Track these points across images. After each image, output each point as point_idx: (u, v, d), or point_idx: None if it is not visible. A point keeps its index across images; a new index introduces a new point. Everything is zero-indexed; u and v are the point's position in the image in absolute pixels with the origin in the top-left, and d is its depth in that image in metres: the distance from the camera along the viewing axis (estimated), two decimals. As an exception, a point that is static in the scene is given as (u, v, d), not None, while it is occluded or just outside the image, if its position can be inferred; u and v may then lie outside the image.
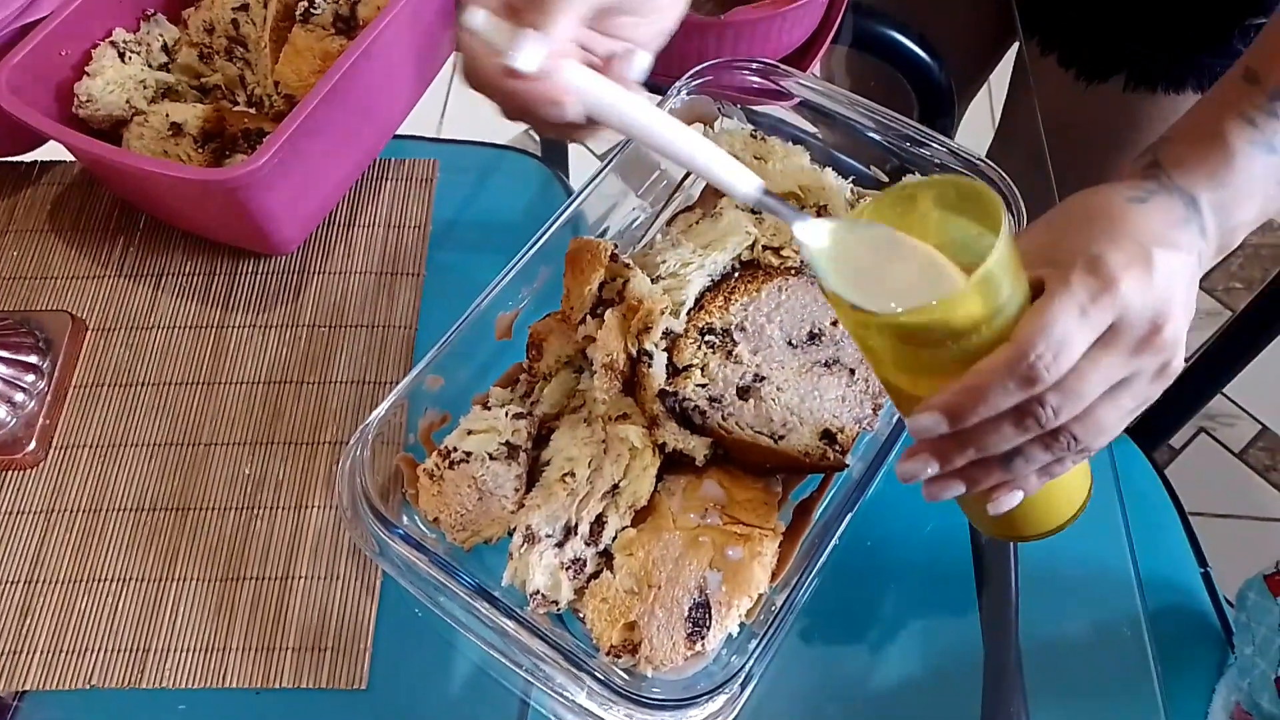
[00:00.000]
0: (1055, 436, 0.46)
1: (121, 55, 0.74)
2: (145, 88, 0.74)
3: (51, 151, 0.82)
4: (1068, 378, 0.44)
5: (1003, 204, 0.43)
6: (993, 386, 0.44)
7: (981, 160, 0.68)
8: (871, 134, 0.71)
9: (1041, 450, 0.47)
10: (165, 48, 0.77)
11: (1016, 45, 1.06)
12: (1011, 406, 0.44)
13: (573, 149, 1.19)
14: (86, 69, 0.73)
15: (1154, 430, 1.17)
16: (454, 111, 1.71)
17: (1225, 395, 1.60)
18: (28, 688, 0.59)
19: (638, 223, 0.74)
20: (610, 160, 0.69)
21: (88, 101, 0.72)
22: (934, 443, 0.47)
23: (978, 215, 0.44)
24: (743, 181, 0.48)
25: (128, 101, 0.73)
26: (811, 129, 0.74)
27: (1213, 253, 0.50)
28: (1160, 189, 0.49)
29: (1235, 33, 0.83)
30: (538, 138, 1.43)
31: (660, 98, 0.72)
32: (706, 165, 0.49)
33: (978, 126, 0.91)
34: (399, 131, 0.81)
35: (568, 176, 0.95)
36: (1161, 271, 0.45)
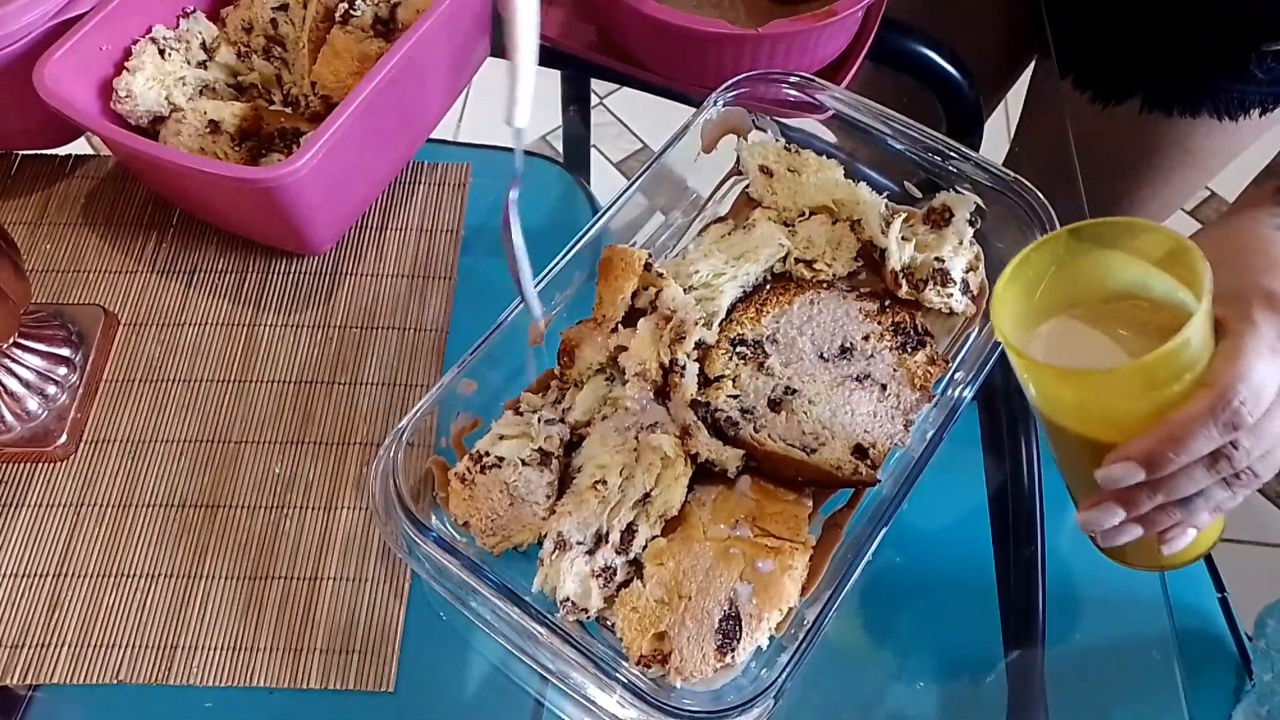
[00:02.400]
0: (1238, 476, 0.47)
1: (161, 52, 0.74)
2: (184, 85, 0.75)
3: (85, 146, 0.83)
4: (1261, 420, 0.45)
5: (1204, 261, 0.43)
6: (1195, 435, 0.44)
7: (1013, 177, 0.68)
8: (903, 149, 0.71)
9: (1222, 490, 0.47)
10: (204, 45, 0.77)
11: (1032, 65, 1.06)
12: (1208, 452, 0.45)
13: (595, 158, 1.19)
14: (126, 65, 0.73)
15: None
16: (471, 117, 1.72)
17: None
18: (55, 680, 0.60)
19: (669, 233, 0.74)
20: (638, 178, 0.69)
21: (127, 97, 0.72)
22: (1121, 491, 0.47)
23: (1167, 265, 0.46)
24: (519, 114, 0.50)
25: (166, 98, 0.74)
26: (841, 143, 0.74)
27: None
28: None
29: (1251, 57, 0.83)
30: (559, 144, 1.44)
31: (696, 109, 0.72)
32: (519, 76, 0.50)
33: (990, 144, 0.91)
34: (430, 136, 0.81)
35: (589, 183, 0.96)
36: None
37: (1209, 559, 0.92)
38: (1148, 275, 0.47)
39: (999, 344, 0.62)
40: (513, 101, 0.51)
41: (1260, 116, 0.88)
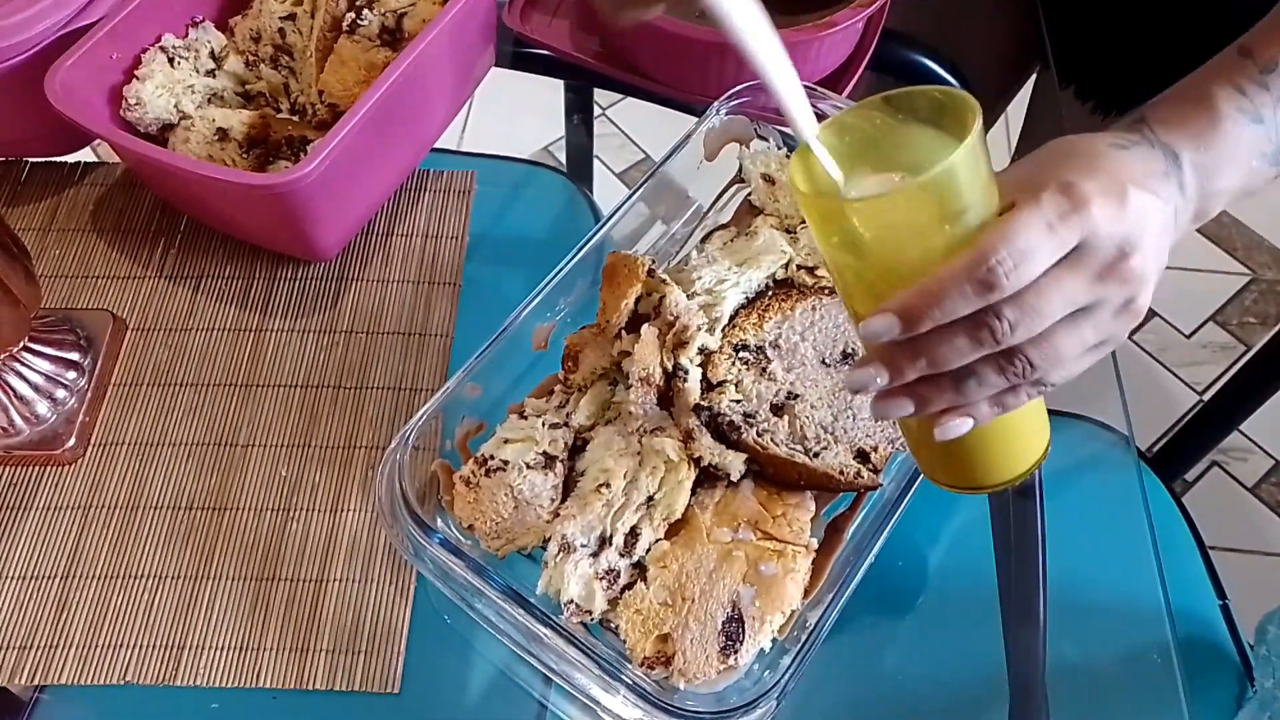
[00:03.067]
0: (1010, 359, 0.45)
1: (171, 60, 0.75)
2: (193, 93, 0.76)
3: (93, 153, 0.84)
4: (1027, 293, 0.43)
5: (977, 109, 0.42)
6: (949, 289, 0.42)
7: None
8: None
9: (995, 372, 0.45)
10: (213, 54, 0.78)
11: (1034, 76, 1.07)
12: (967, 316, 0.43)
13: (597, 168, 1.20)
14: (136, 73, 0.74)
15: (1173, 462, 1.17)
16: (474, 126, 1.74)
17: (1239, 430, 1.60)
18: (63, 681, 0.60)
19: (671, 241, 0.75)
20: (640, 185, 0.70)
21: (136, 104, 0.73)
22: (885, 350, 0.45)
23: (954, 126, 0.44)
24: (805, 125, 0.46)
25: (175, 106, 0.75)
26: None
27: (1190, 214, 0.50)
28: (1143, 141, 0.49)
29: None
30: (562, 155, 1.45)
31: (698, 118, 0.73)
32: (782, 94, 0.46)
33: (991, 155, 0.92)
34: (434, 145, 0.82)
35: (591, 192, 0.97)
36: (1134, 206, 0.44)
37: (1210, 566, 0.92)
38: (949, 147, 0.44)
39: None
40: (791, 120, 0.48)
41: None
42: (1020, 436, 0.52)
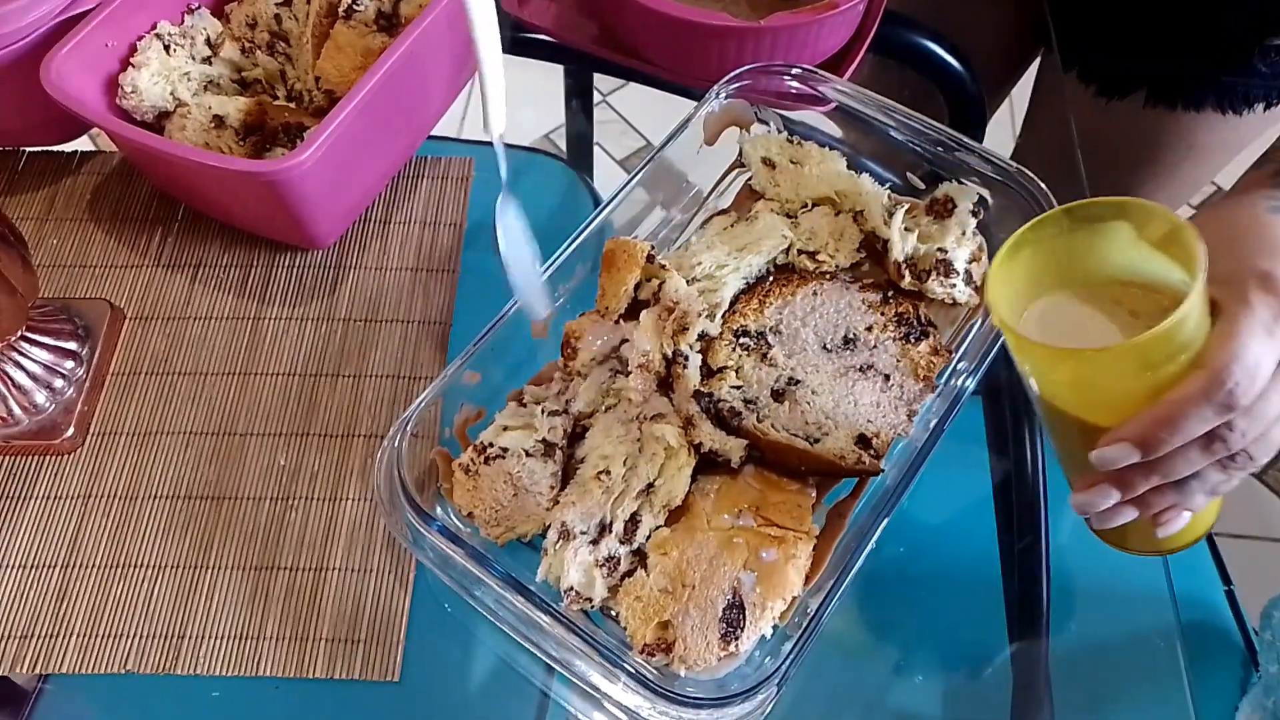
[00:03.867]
0: (1233, 457, 0.47)
1: (166, 48, 0.75)
2: (189, 80, 0.75)
3: (90, 142, 0.83)
4: (1256, 401, 0.45)
5: (1200, 241, 0.43)
6: (1189, 416, 0.44)
7: (1016, 168, 0.68)
8: (906, 140, 0.71)
9: (1218, 472, 0.47)
10: (209, 41, 0.77)
11: (1038, 60, 1.06)
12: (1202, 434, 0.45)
13: (596, 153, 1.20)
14: (131, 60, 0.73)
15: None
16: (475, 113, 1.73)
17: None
18: (64, 670, 0.60)
19: (671, 226, 0.74)
20: (640, 170, 0.69)
21: (132, 92, 0.73)
22: (1116, 473, 0.47)
23: (1163, 246, 0.46)
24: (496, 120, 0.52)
25: (171, 93, 0.74)
26: (843, 135, 0.74)
27: None
28: None
29: (1255, 52, 0.83)
30: (562, 141, 1.44)
31: (698, 102, 0.72)
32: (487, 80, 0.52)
33: (996, 139, 0.91)
34: (433, 132, 0.81)
35: (592, 180, 0.96)
36: None
37: (1215, 551, 0.92)
38: (1143, 256, 0.47)
39: (1002, 334, 0.63)
40: (485, 107, 0.51)
41: (1264, 110, 0.87)
42: (1213, 504, 0.54)
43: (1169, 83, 0.88)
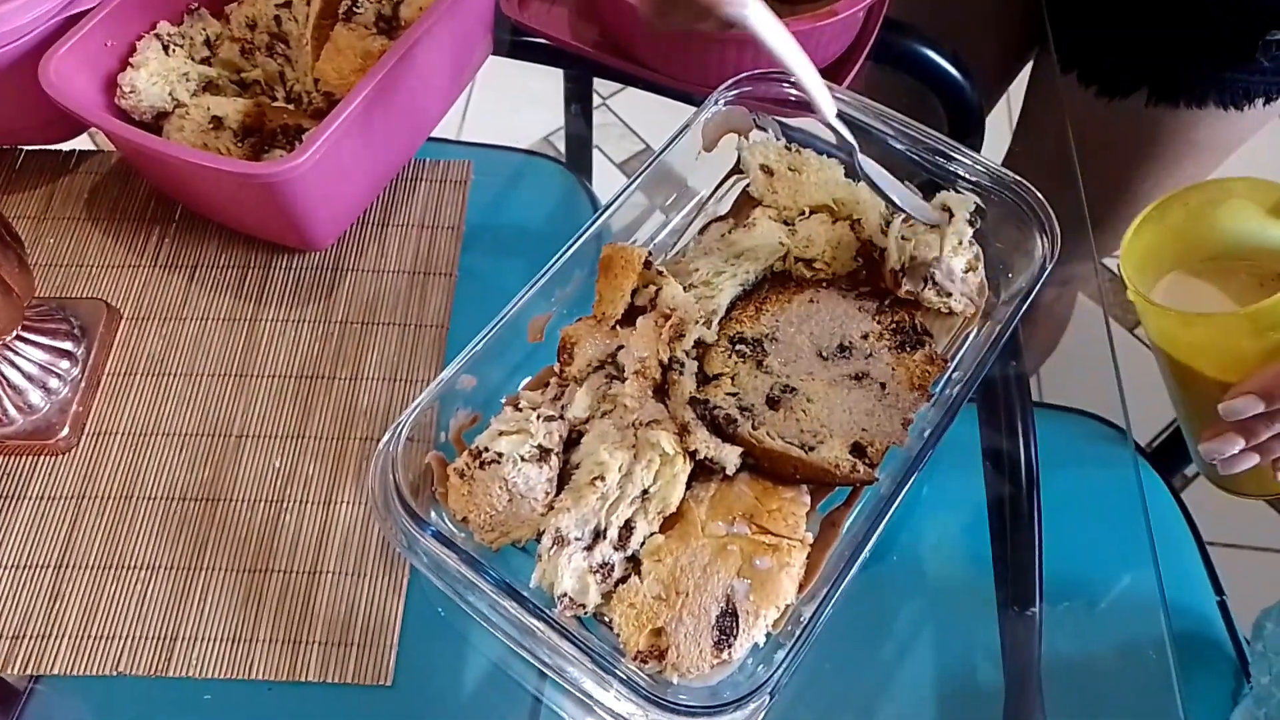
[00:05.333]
0: None
1: (165, 48, 0.75)
2: (187, 81, 0.75)
3: (88, 141, 0.83)
4: None
5: None
6: None
7: (1013, 178, 0.68)
8: (904, 149, 0.71)
9: None
10: (208, 42, 0.77)
11: (1033, 60, 1.07)
12: None
13: (596, 157, 1.20)
14: (130, 60, 0.74)
15: (1172, 456, 1.17)
16: (473, 116, 1.73)
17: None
18: (56, 671, 0.60)
19: (668, 231, 0.74)
20: (638, 175, 0.69)
21: (131, 93, 0.73)
22: (1240, 422, 0.56)
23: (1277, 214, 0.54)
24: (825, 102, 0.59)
25: (170, 94, 0.74)
26: (842, 143, 0.75)
27: None
28: None
29: (1258, 46, 0.84)
30: (561, 144, 1.44)
31: (697, 108, 0.72)
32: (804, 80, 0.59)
33: (992, 139, 0.92)
34: (432, 134, 0.81)
35: (590, 183, 0.96)
36: None
37: (1207, 561, 0.92)
38: (1265, 227, 0.53)
39: (997, 343, 0.63)
40: (813, 98, 0.61)
41: (1264, 106, 0.88)
42: None
43: (1171, 80, 0.89)
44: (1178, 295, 0.60)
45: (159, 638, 0.61)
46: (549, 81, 1.11)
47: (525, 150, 0.95)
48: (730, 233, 0.71)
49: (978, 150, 0.78)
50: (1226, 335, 0.55)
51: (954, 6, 0.99)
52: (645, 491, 0.59)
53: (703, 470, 0.61)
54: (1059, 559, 0.66)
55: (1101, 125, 0.94)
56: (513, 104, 1.60)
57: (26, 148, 0.83)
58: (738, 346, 0.65)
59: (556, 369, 0.65)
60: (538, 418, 0.61)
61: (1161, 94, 0.90)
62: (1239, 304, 0.58)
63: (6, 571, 0.63)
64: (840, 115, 0.72)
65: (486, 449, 0.60)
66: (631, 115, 1.99)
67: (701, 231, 0.72)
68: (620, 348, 0.64)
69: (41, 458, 0.67)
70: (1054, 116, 0.99)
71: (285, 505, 0.65)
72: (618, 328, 0.65)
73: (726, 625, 0.55)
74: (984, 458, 0.71)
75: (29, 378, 0.67)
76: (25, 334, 0.67)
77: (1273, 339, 0.53)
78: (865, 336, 0.65)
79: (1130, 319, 1.69)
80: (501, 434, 0.61)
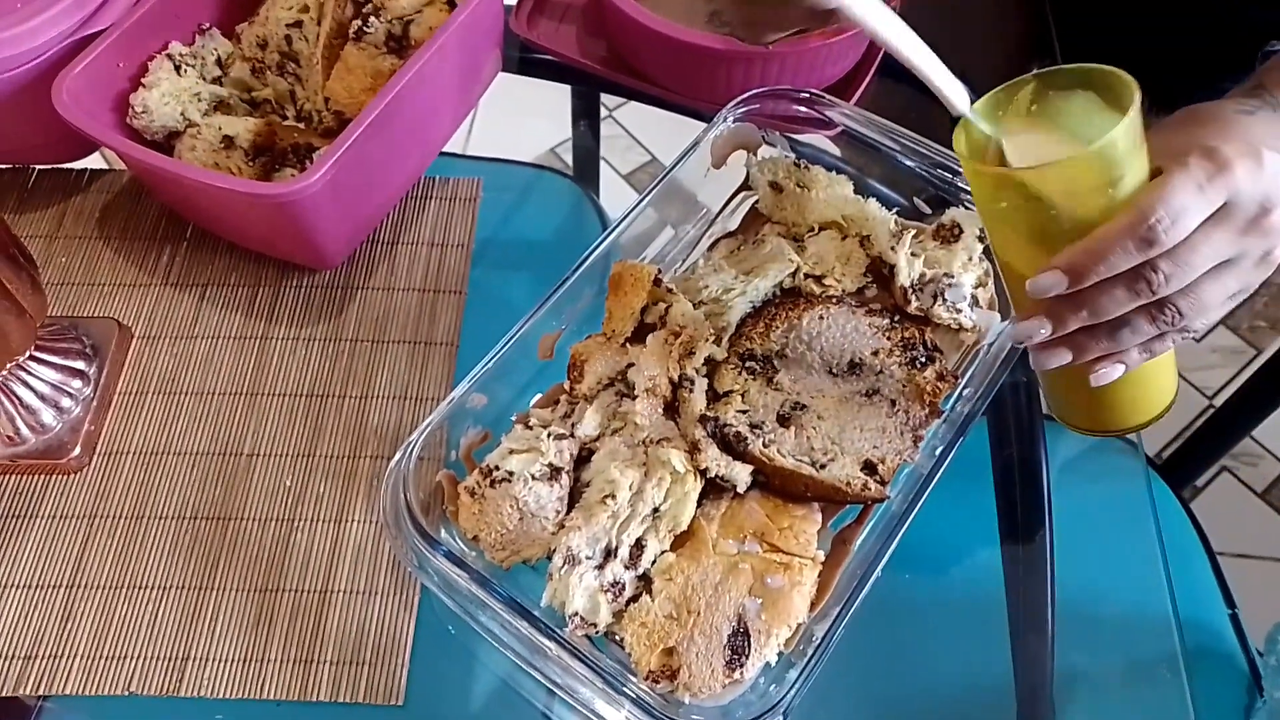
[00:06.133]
0: (1161, 308, 0.50)
1: (177, 68, 0.75)
2: (199, 100, 0.76)
3: (100, 160, 0.84)
4: (1180, 247, 0.48)
5: (1134, 84, 0.48)
6: (1113, 247, 0.48)
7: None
8: (912, 164, 0.71)
9: (1147, 321, 0.51)
10: (219, 62, 0.78)
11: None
12: (1126, 270, 0.48)
13: (603, 170, 1.21)
14: (143, 81, 0.74)
15: (1182, 469, 1.17)
16: (480, 131, 1.73)
17: (1249, 435, 1.59)
18: (67, 691, 0.60)
19: (678, 248, 0.74)
20: (648, 193, 0.69)
21: (143, 112, 0.73)
22: (1048, 304, 0.51)
23: (1107, 100, 0.50)
24: (957, 97, 0.54)
25: (182, 113, 0.75)
26: (851, 160, 0.75)
27: None
28: (1264, 106, 0.55)
29: (1258, 56, 0.84)
30: (568, 156, 1.45)
31: (706, 125, 0.72)
32: (928, 73, 0.56)
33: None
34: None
35: (598, 197, 0.96)
36: (1270, 166, 0.49)
37: (1219, 574, 0.92)
38: (1110, 121, 0.49)
39: (1009, 359, 0.63)
40: (941, 94, 0.55)
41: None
42: (1156, 382, 0.58)
43: (1171, 91, 0.89)
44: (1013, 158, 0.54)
45: (170, 658, 0.61)
46: (556, 93, 1.11)
47: (533, 164, 0.95)
48: (739, 249, 0.71)
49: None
50: (1037, 195, 0.50)
51: (962, 22, 0.99)
52: (656, 510, 0.59)
53: (713, 488, 0.61)
54: (1070, 573, 0.66)
55: None
56: (520, 116, 1.60)
57: (38, 167, 0.83)
58: (748, 364, 0.65)
59: (566, 387, 0.65)
60: (548, 436, 0.61)
61: (1161, 103, 0.90)
62: None
63: (18, 591, 0.63)
64: (848, 132, 0.73)
65: (497, 467, 0.60)
66: (637, 127, 1.99)
67: (711, 248, 0.73)
68: (630, 365, 0.64)
69: (53, 477, 0.67)
70: None
71: (296, 524, 0.65)
72: (628, 345, 0.65)
73: (738, 644, 0.55)
74: (994, 474, 0.70)
75: (41, 397, 0.67)
76: (38, 354, 0.67)
77: (1082, 214, 0.49)
78: (876, 353, 0.65)
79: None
80: (512, 452, 0.61)
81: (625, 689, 0.52)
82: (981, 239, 0.68)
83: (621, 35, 0.84)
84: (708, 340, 0.64)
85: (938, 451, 0.60)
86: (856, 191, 0.71)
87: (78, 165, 0.82)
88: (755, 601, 0.56)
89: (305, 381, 0.72)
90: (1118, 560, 0.70)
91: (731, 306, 0.67)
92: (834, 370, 0.64)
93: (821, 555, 0.58)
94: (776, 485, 0.61)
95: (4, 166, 0.83)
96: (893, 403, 0.63)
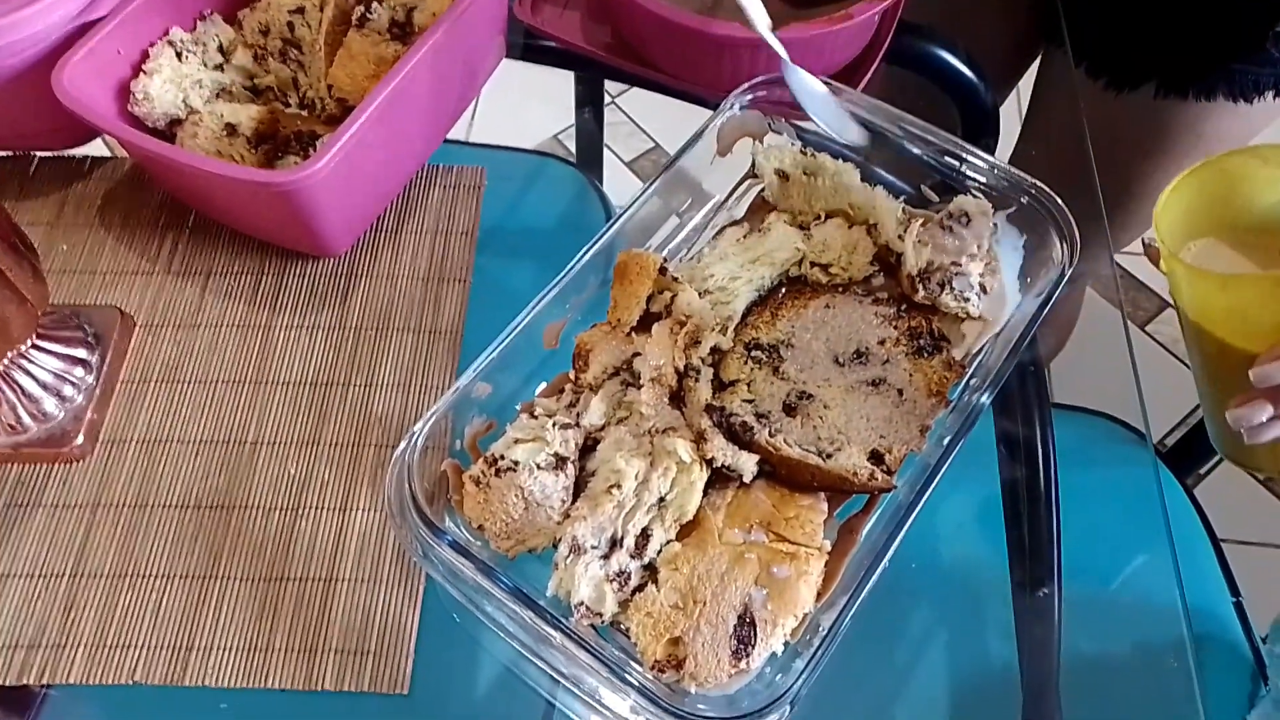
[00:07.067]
0: None
1: (179, 55, 0.75)
2: (200, 87, 0.75)
3: (101, 147, 0.83)
4: None
5: None
6: None
7: (1030, 181, 0.67)
8: (919, 152, 0.71)
9: None
10: (221, 48, 0.77)
11: (1040, 54, 1.06)
12: None
13: (606, 157, 1.20)
14: (144, 67, 0.73)
15: (1187, 456, 1.16)
16: (483, 119, 1.72)
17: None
18: (71, 680, 0.60)
19: (684, 236, 0.74)
20: (653, 181, 0.69)
21: (144, 99, 0.73)
22: (1269, 390, 0.57)
23: None
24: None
25: (183, 100, 0.74)
26: (858, 147, 0.74)
27: None
28: None
29: (1269, 38, 0.83)
30: (571, 142, 1.44)
31: (713, 112, 0.72)
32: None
33: (1002, 132, 0.91)
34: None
35: (601, 184, 0.96)
36: None
37: (1223, 562, 0.92)
38: None
39: (1016, 348, 0.62)
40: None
41: (1274, 99, 0.88)
42: None
43: (1181, 72, 0.88)
44: (1209, 261, 0.60)
45: (174, 647, 0.61)
46: (559, 78, 1.11)
47: (537, 151, 0.94)
48: (745, 237, 0.70)
49: (992, 152, 0.78)
50: (1263, 299, 0.55)
51: (969, 7, 0.99)
52: (662, 499, 0.59)
53: (719, 478, 0.61)
54: (1075, 561, 0.66)
55: (1110, 119, 0.94)
56: (523, 102, 1.60)
57: (40, 154, 0.83)
58: (754, 353, 0.65)
59: (572, 376, 0.65)
60: (553, 425, 0.61)
61: (1170, 86, 0.89)
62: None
63: (21, 580, 0.63)
64: (854, 119, 0.72)
65: (502, 456, 0.60)
66: (641, 113, 1.99)
67: (716, 236, 0.72)
68: (636, 354, 0.63)
69: (56, 466, 0.67)
70: (1063, 108, 0.99)
71: (300, 513, 0.65)
72: (633, 334, 0.64)
73: (744, 634, 0.55)
74: (1001, 464, 0.70)
75: (44, 385, 0.67)
76: (40, 342, 0.67)
77: None
78: (882, 342, 0.65)
79: (1141, 316, 1.69)
80: (517, 441, 0.61)
81: (630, 678, 0.52)
82: (988, 227, 0.67)
83: (626, 21, 0.83)
84: (713, 329, 0.63)
85: (945, 441, 0.60)
86: (863, 179, 0.71)
87: (79, 152, 0.82)
88: (761, 591, 0.56)
89: (309, 369, 0.71)
90: (1124, 548, 0.70)
91: (737, 295, 0.67)
92: (840, 359, 0.64)
93: (828, 545, 0.58)
94: (783, 475, 0.61)
95: (5, 154, 0.83)
96: (900, 392, 0.63)
